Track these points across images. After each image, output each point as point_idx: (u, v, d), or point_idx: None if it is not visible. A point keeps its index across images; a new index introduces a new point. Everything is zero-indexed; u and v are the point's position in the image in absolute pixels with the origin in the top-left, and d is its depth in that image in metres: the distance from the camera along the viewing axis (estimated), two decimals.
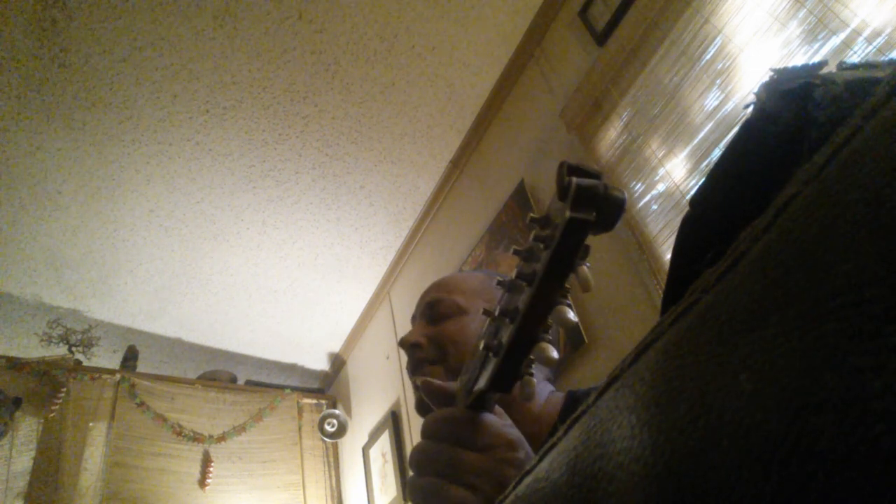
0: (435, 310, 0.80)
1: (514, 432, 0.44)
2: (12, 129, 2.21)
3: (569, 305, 0.34)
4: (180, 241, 2.78)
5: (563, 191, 0.31)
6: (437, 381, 0.48)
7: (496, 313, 0.39)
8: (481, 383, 0.40)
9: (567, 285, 0.34)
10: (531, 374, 0.38)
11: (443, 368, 0.74)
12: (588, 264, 0.33)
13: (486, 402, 0.43)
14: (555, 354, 0.36)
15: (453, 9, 2.13)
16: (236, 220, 2.72)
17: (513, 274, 0.37)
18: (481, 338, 0.41)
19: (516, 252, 0.37)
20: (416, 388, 0.76)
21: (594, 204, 0.30)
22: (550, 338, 0.36)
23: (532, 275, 0.34)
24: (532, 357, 0.37)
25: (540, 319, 0.35)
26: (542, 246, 0.34)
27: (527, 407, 0.72)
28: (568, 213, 0.30)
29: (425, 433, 0.45)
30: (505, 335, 0.37)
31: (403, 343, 0.78)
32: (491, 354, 0.39)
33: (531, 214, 0.35)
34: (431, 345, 0.77)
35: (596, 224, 0.31)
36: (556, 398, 0.75)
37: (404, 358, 0.81)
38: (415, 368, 0.78)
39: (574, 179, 0.30)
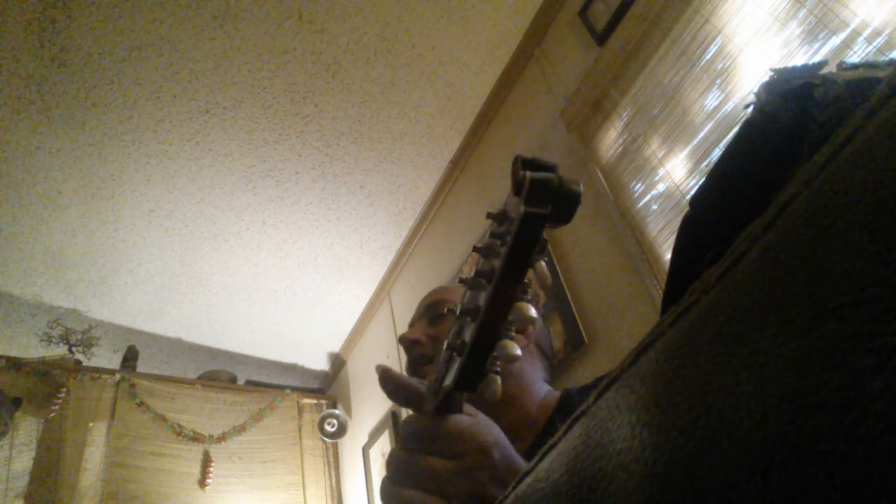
0: (434, 310, 0.81)
1: (485, 433, 0.42)
2: (12, 129, 2.21)
3: (529, 301, 0.34)
4: (180, 241, 2.78)
5: (517, 185, 0.31)
6: (394, 371, 0.47)
7: (458, 312, 0.38)
8: (447, 383, 0.39)
9: (527, 280, 0.33)
10: (496, 372, 0.37)
11: None
12: (546, 259, 0.33)
13: (454, 401, 0.43)
14: (517, 351, 0.35)
15: (453, 9, 2.13)
16: (236, 220, 2.72)
17: (472, 272, 0.37)
18: (445, 337, 0.41)
19: (476, 249, 0.37)
20: None
21: (549, 198, 0.30)
22: (513, 334, 0.36)
23: (491, 272, 0.34)
24: (496, 354, 0.36)
25: (501, 316, 0.35)
26: (499, 242, 0.33)
27: (523, 404, 0.73)
28: (522, 208, 0.30)
29: (399, 441, 0.44)
30: (468, 334, 0.37)
31: (403, 339, 0.79)
32: (455, 354, 0.38)
33: (489, 211, 0.35)
34: (430, 343, 0.78)
35: (551, 217, 0.30)
36: (551, 396, 0.75)
37: (404, 357, 0.81)
38: (412, 365, 0.78)
39: (528, 173, 0.30)
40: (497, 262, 0.33)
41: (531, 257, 0.32)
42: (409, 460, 0.42)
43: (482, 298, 0.35)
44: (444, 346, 0.40)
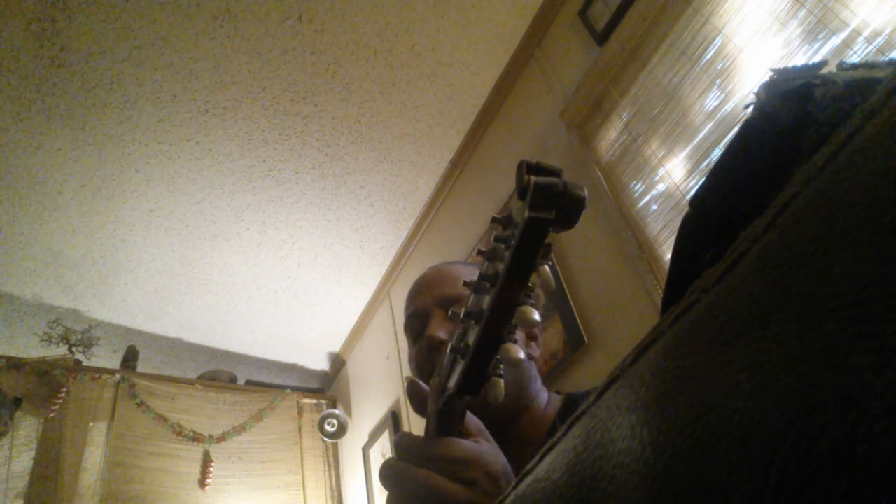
0: (449, 303, 0.76)
1: (494, 461, 0.43)
2: (12, 129, 2.21)
3: (533, 305, 0.34)
4: (180, 241, 2.78)
5: (522, 190, 0.31)
6: (421, 385, 0.47)
7: (462, 315, 0.38)
8: (450, 386, 0.39)
9: (531, 284, 0.34)
10: (500, 376, 0.37)
11: None
12: (550, 263, 0.33)
13: (456, 406, 0.43)
14: (521, 355, 0.35)
15: (453, 9, 2.13)
16: (236, 220, 2.72)
17: (477, 275, 0.37)
18: (449, 340, 0.41)
19: (480, 253, 0.37)
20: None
21: (554, 202, 0.30)
22: (516, 338, 0.36)
23: (495, 275, 0.34)
24: (499, 358, 0.36)
25: (504, 320, 0.35)
26: (503, 246, 0.33)
27: (536, 408, 0.73)
28: (527, 213, 0.30)
29: (404, 456, 0.43)
30: (471, 337, 0.37)
31: (433, 339, 0.73)
32: (458, 357, 0.38)
33: (494, 215, 0.35)
34: None
35: (556, 222, 0.30)
36: (556, 400, 0.75)
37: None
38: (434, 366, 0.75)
39: (532, 178, 0.30)
40: (501, 266, 0.33)
41: (535, 261, 0.32)
42: (423, 480, 0.41)
43: (485, 302, 0.35)
44: (448, 349, 0.40)
